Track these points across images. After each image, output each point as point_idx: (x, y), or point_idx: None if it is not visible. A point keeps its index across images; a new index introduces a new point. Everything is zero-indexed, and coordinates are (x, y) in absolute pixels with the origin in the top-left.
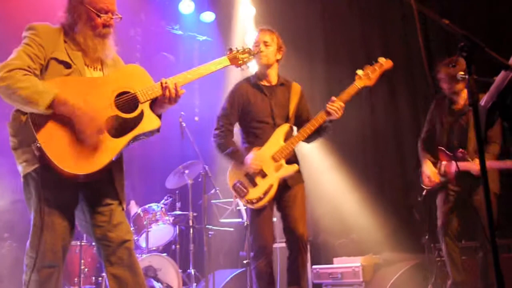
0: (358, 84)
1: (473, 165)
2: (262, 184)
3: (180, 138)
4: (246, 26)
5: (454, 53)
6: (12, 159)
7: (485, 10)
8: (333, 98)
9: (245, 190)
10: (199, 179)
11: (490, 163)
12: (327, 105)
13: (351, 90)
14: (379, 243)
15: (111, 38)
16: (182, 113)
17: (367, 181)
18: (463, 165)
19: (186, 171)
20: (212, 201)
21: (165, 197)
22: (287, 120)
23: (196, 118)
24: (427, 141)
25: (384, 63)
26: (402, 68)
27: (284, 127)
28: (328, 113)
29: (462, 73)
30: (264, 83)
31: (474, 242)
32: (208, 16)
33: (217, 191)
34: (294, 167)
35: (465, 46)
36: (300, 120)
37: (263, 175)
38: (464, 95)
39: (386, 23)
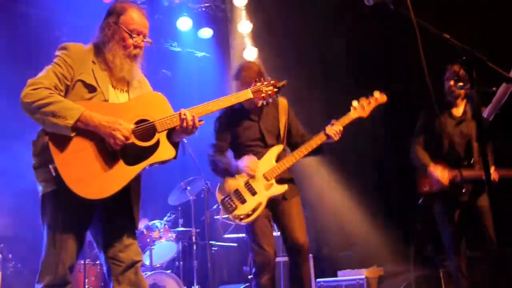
0: (352, 114)
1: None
2: (251, 201)
3: (182, 154)
4: (244, 41)
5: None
6: (8, 181)
7: (483, 21)
8: (333, 121)
9: (233, 206)
10: (202, 195)
11: (497, 173)
12: (326, 127)
13: (345, 119)
14: (383, 255)
15: (139, 61)
16: None
17: (370, 193)
18: (470, 174)
19: (188, 187)
20: (215, 216)
21: (168, 214)
22: (278, 139)
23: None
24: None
25: (379, 97)
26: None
27: (277, 148)
28: (328, 136)
29: (462, 83)
30: (250, 106)
31: (478, 252)
32: (206, 33)
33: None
34: (284, 187)
35: (467, 60)
36: (292, 136)
37: (253, 192)
38: (464, 100)
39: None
